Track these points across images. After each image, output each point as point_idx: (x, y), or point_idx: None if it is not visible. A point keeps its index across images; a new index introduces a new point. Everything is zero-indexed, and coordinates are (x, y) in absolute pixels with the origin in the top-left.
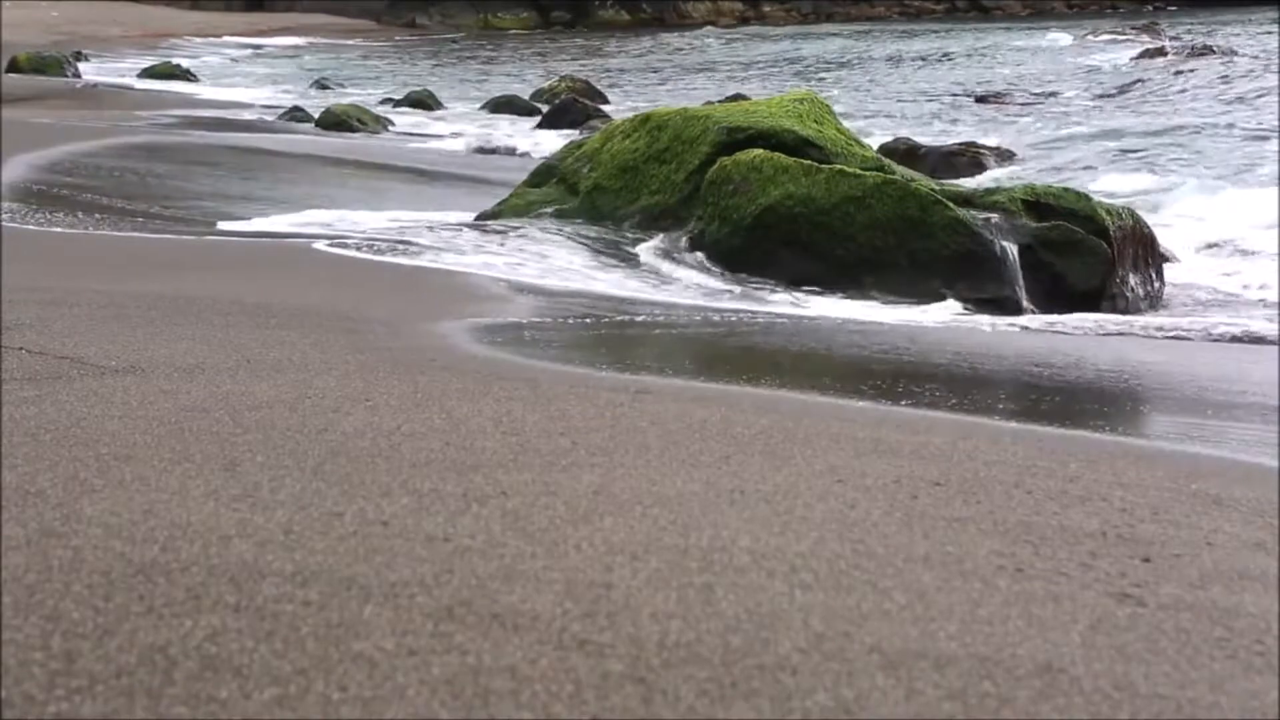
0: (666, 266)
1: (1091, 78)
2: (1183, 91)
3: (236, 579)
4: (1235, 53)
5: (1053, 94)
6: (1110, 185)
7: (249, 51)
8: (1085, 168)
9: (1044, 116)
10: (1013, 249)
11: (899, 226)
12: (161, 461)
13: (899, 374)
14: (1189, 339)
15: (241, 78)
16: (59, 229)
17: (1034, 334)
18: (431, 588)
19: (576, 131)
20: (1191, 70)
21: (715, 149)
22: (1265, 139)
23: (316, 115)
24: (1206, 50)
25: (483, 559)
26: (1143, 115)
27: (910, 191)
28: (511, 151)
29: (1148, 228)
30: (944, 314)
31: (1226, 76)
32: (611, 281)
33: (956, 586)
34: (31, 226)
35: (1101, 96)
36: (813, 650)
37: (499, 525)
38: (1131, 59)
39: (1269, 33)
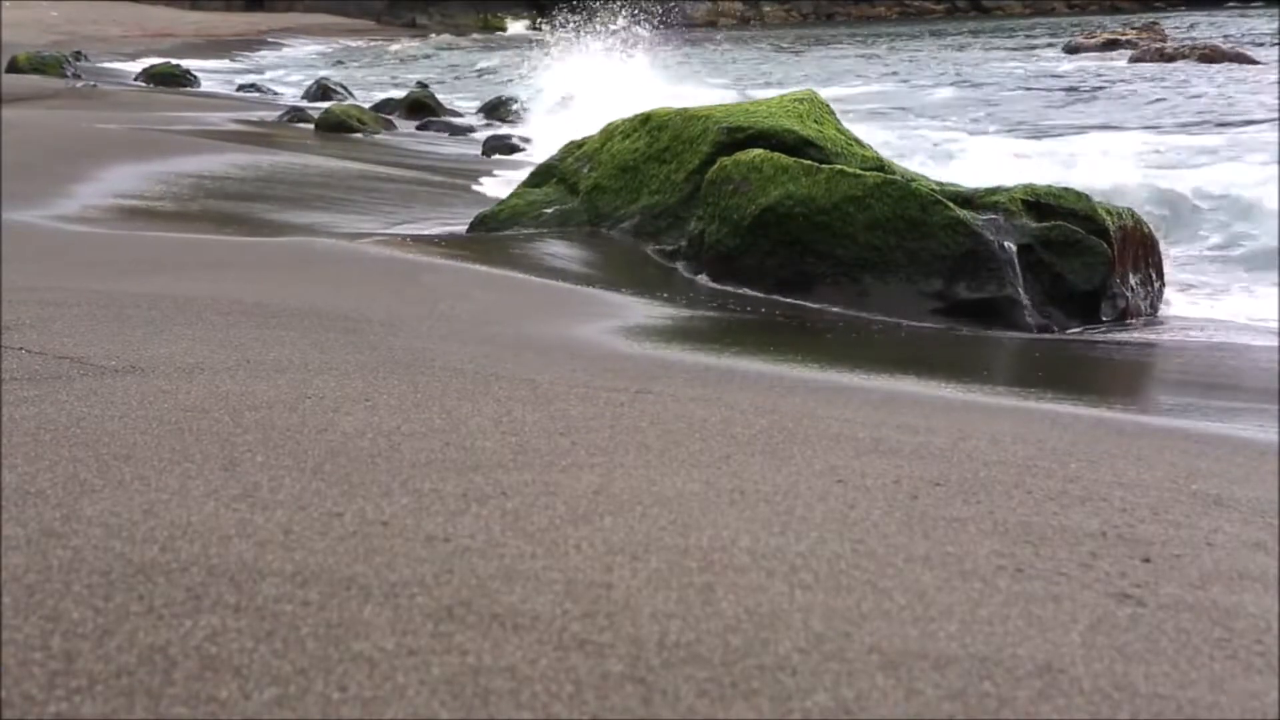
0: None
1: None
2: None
3: (236, 579)
4: (1248, 59)
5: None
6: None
7: (249, 52)
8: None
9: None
10: (1013, 249)
11: (899, 226)
12: (161, 461)
13: None
14: None
15: (240, 78)
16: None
17: None
18: (431, 588)
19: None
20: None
21: (715, 149)
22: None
23: (316, 116)
24: (1214, 52)
25: (483, 559)
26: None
27: (910, 191)
28: (511, 151)
29: (1148, 228)
30: None
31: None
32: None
33: (956, 586)
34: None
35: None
36: (813, 650)
37: (499, 525)
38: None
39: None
